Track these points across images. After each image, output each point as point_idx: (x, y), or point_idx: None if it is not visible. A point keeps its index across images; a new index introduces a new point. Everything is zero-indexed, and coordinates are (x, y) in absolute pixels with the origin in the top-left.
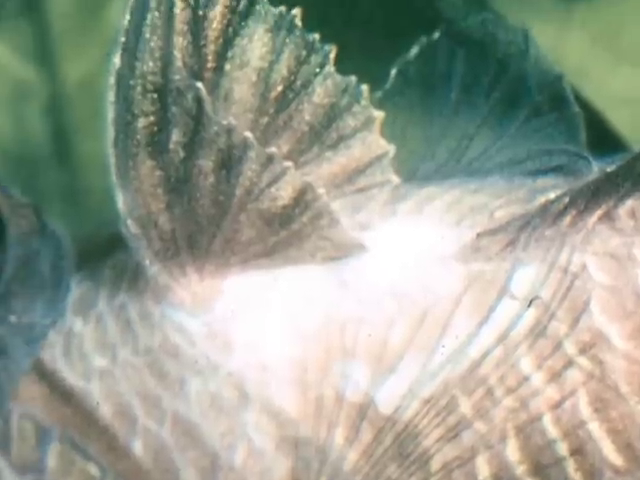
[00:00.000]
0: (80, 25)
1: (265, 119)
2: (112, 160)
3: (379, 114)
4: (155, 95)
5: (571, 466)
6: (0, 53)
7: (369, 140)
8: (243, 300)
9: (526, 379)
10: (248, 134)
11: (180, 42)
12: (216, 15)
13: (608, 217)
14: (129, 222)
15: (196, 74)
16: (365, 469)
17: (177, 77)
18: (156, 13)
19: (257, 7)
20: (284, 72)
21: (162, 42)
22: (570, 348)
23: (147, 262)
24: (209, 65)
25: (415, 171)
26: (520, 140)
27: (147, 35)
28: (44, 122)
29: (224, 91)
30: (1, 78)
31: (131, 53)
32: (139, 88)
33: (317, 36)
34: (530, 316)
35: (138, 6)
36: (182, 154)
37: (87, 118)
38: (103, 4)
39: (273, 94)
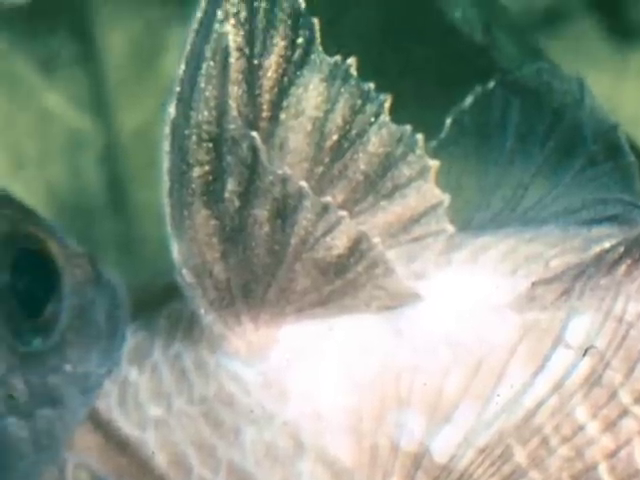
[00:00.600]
0: (135, 75)
1: (320, 168)
2: (167, 209)
3: (434, 163)
4: (210, 144)
5: None
6: (55, 102)
7: (424, 189)
8: (298, 349)
9: (581, 428)
10: (303, 183)
11: (235, 91)
12: (271, 64)
13: None
14: (184, 271)
15: (251, 123)
16: None
17: (232, 126)
18: (211, 62)
19: (312, 56)
20: (339, 121)
21: (217, 91)
22: (625, 397)
23: (202, 311)
24: (264, 114)
25: (470, 220)
26: (575, 189)
27: (202, 84)
28: (99, 171)
29: (279, 140)
30: (57, 127)
31: (186, 103)
32: (194, 137)
33: (372, 85)
34: (585, 365)
35: (193, 56)
36: (237, 203)
37: (142, 167)
38: (158, 54)
39: (328, 143)
